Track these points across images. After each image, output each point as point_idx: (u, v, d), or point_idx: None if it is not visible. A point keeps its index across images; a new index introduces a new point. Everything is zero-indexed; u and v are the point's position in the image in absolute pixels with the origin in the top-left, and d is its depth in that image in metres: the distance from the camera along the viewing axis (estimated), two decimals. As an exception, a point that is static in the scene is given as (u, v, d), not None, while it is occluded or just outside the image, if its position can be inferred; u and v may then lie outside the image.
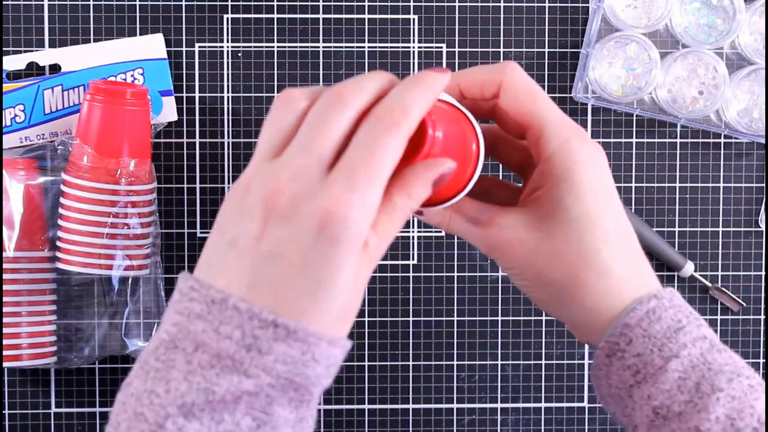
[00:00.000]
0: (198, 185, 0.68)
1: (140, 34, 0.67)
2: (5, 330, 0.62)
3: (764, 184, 0.69)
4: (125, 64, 0.66)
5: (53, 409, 0.68)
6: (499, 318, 0.69)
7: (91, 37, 0.67)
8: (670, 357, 0.42)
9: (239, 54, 0.68)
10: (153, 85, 0.66)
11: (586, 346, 0.69)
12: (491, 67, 0.45)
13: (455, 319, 0.69)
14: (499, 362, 0.69)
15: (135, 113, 0.62)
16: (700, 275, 0.69)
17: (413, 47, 0.68)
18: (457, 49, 0.68)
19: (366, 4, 0.68)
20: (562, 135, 0.43)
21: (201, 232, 0.68)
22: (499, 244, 0.45)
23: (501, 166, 0.69)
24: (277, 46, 0.68)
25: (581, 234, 0.43)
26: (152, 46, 0.66)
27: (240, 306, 0.37)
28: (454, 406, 0.69)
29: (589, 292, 0.43)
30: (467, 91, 0.45)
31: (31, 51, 0.67)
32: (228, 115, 0.68)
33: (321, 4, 0.68)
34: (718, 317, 0.70)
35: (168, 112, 0.67)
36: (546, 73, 0.68)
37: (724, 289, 0.69)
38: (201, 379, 0.37)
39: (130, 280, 0.65)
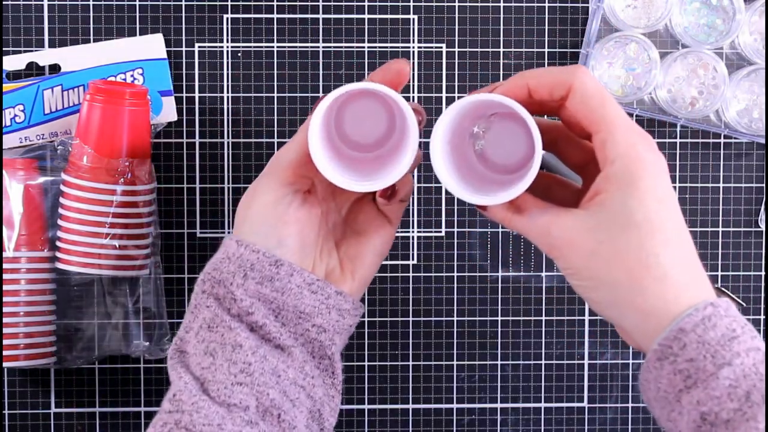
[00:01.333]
0: (198, 185, 0.68)
1: (140, 34, 0.67)
2: (5, 330, 0.62)
3: (764, 184, 0.69)
4: (125, 64, 0.66)
5: (53, 409, 0.68)
6: (499, 318, 0.69)
7: (91, 37, 0.67)
8: (722, 364, 0.42)
9: (239, 54, 0.68)
10: (153, 85, 0.66)
11: (586, 346, 0.69)
12: (562, 69, 0.46)
13: (455, 319, 0.69)
14: (499, 362, 0.69)
15: (135, 113, 0.62)
16: (700, 275, 0.69)
17: (413, 47, 0.68)
18: (457, 49, 0.68)
19: (366, 4, 0.68)
20: (629, 139, 0.45)
21: (201, 232, 0.68)
22: (559, 244, 0.46)
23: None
24: (277, 46, 0.68)
25: (642, 239, 0.44)
26: (152, 46, 0.66)
27: (258, 260, 0.50)
28: (454, 406, 0.69)
29: (646, 297, 0.44)
30: (536, 92, 0.47)
31: (31, 51, 0.67)
32: (228, 115, 0.68)
33: (321, 4, 0.68)
34: (718, 317, 0.70)
35: (168, 112, 0.66)
36: (546, 73, 0.68)
37: (724, 289, 0.69)
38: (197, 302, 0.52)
39: (130, 280, 0.65)
